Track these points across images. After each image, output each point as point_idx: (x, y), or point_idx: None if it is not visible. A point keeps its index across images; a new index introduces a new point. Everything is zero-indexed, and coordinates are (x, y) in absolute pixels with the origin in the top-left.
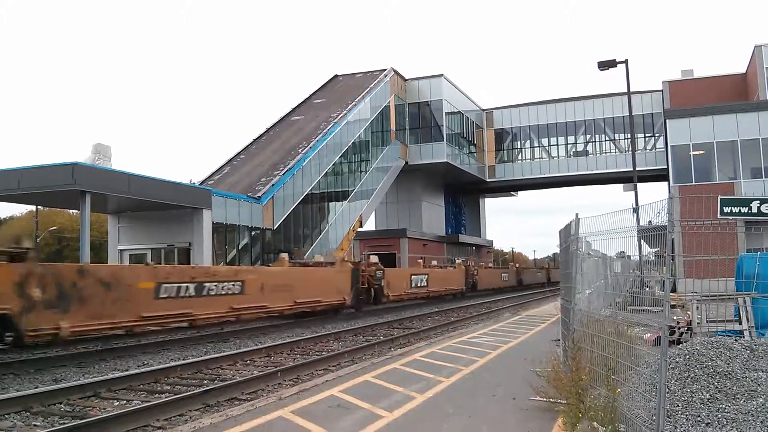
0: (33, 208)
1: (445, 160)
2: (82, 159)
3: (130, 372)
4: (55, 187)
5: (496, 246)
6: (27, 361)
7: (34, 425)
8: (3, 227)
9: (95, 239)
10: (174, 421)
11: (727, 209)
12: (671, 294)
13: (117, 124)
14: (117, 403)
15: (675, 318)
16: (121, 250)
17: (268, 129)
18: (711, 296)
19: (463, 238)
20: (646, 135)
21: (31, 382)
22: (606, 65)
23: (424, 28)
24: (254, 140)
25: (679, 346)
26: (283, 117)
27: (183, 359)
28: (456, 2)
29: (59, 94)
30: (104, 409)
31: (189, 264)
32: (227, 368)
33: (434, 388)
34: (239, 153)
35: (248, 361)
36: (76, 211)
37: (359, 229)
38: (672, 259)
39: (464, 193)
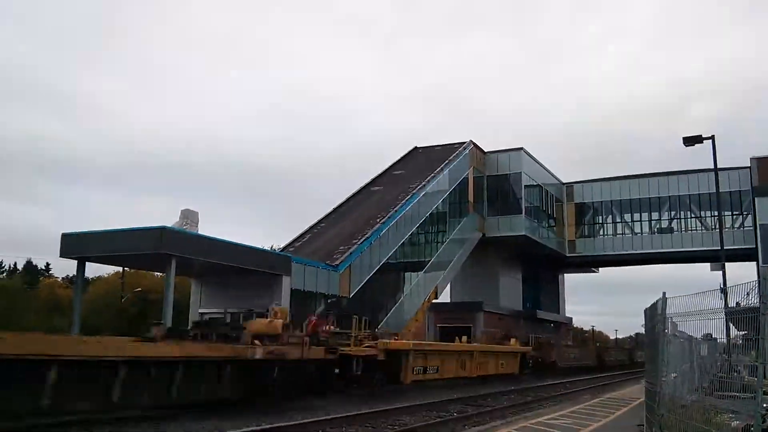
0: (119, 269)
1: (524, 233)
2: (170, 224)
3: None
4: (144, 249)
5: (576, 323)
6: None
7: None
8: (91, 286)
9: (175, 301)
10: None
11: None
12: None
13: (205, 189)
14: None
15: (765, 405)
16: (201, 313)
17: (348, 198)
18: None
19: (541, 314)
20: (734, 212)
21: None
22: (692, 141)
23: (503, 99)
24: (335, 209)
25: None
26: (363, 187)
27: None
28: (537, 82)
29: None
30: None
31: None
32: None
33: None
34: (320, 221)
35: None
36: (161, 274)
37: (434, 301)
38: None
39: (543, 268)
